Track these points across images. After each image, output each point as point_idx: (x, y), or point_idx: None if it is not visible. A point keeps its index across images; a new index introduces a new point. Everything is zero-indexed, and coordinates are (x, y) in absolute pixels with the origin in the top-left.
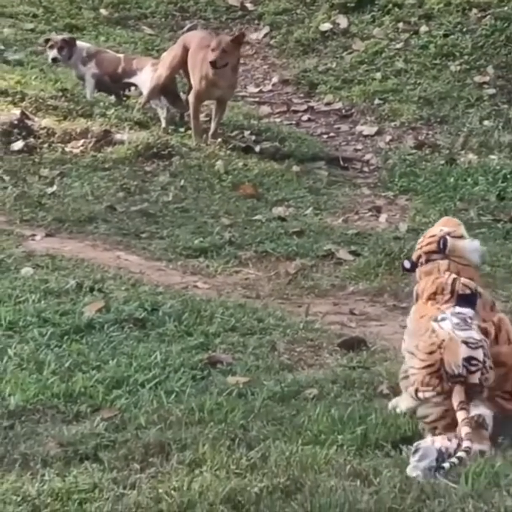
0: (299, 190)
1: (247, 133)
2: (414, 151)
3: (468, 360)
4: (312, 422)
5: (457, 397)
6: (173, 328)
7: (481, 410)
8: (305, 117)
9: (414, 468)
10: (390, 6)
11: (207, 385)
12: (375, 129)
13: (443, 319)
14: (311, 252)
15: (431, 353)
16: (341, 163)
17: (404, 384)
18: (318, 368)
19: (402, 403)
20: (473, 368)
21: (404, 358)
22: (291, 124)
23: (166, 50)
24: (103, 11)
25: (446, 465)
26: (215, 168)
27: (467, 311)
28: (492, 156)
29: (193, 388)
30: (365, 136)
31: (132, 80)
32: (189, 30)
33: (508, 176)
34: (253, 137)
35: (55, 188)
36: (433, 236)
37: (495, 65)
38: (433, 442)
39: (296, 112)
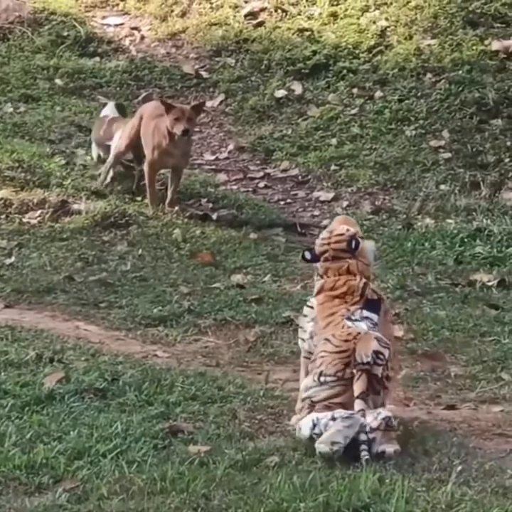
0: (257, 258)
1: (204, 201)
2: (371, 216)
3: (377, 353)
4: (274, 490)
5: (360, 385)
6: (134, 398)
7: (388, 413)
8: (261, 184)
9: (339, 433)
10: (345, 71)
11: (168, 454)
12: (331, 194)
13: (357, 320)
14: (270, 319)
15: (346, 340)
16: (299, 229)
17: (310, 367)
18: (279, 435)
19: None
20: (379, 361)
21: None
22: (247, 191)
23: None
24: (58, 81)
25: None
26: (173, 236)
27: (373, 316)
28: (449, 220)
29: (155, 458)
30: (322, 202)
31: (110, 143)
32: (144, 98)
33: (466, 240)
34: (210, 205)
35: (13, 259)
36: (341, 235)
37: (450, 129)
38: (360, 415)
39: (252, 179)
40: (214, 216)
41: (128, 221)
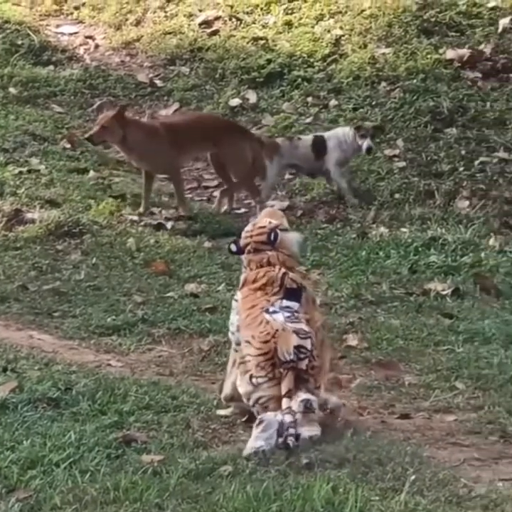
0: (211, 267)
1: (158, 210)
2: (325, 225)
3: (298, 348)
4: (227, 500)
5: (286, 384)
6: (87, 407)
7: (308, 396)
8: (216, 193)
9: (257, 439)
10: (299, 80)
11: (122, 463)
12: (286, 203)
13: (274, 312)
14: (224, 328)
15: (266, 342)
16: None
17: (241, 369)
18: (232, 444)
19: (227, 387)
20: (301, 356)
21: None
22: (202, 200)
23: (75, 128)
24: (12, 90)
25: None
26: (127, 245)
27: (293, 304)
28: (403, 229)
29: (108, 467)
30: None
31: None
32: (99, 107)
33: (420, 249)
34: (164, 214)
35: None
36: (263, 227)
37: (404, 137)
38: (275, 415)
39: (206, 187)
40: (168, 225)
41: (82, 230)
